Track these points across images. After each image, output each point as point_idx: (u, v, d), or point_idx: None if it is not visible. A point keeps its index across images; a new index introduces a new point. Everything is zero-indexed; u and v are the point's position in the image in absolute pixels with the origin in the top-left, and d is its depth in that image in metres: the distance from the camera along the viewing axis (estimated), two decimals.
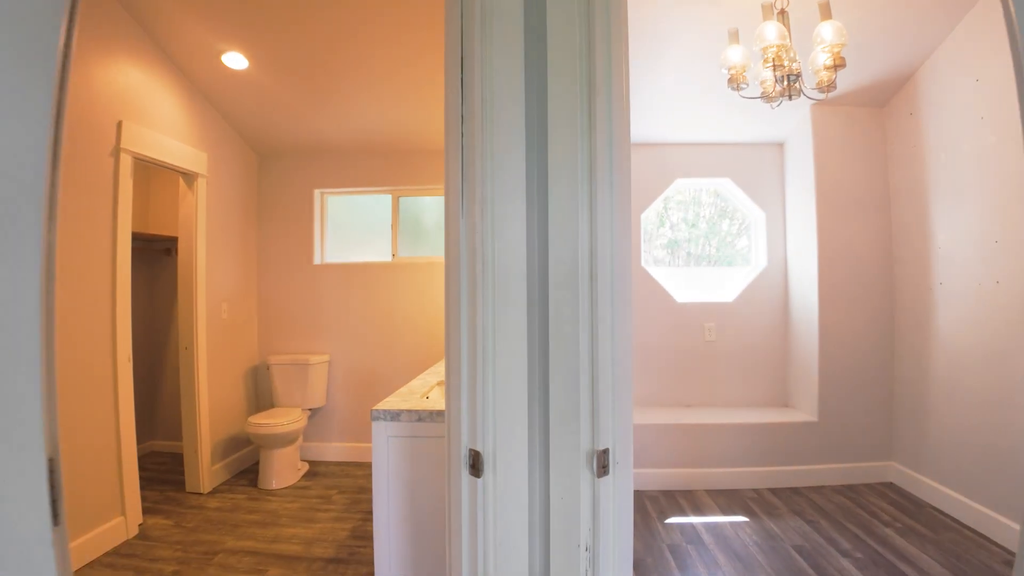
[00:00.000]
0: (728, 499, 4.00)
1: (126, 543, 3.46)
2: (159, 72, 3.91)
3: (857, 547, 3.27)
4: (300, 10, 3.54)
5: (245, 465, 4.83)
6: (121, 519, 3.52)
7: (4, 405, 1.00)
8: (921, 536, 3.38)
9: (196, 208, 4.33)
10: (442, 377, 3.16)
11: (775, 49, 2.83)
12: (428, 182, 5.06)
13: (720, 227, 5.04)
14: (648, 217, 4.96)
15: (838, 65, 2.76)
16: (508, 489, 1.37)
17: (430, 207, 5.26)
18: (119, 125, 3.58)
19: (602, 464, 1.34)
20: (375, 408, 2.44)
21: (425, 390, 2.86)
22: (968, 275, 3.56)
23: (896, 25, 3.51)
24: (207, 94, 4.31)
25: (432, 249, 5.22)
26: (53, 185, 1.06)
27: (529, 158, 1.40)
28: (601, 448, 1.35)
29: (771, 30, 2.88)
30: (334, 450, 5.09)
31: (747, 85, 3.01)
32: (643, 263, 4.74)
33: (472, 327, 1.39)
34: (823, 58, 2.83)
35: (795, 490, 4.14)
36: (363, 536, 3.53)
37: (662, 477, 4.16)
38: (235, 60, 3.95)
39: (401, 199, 5.23)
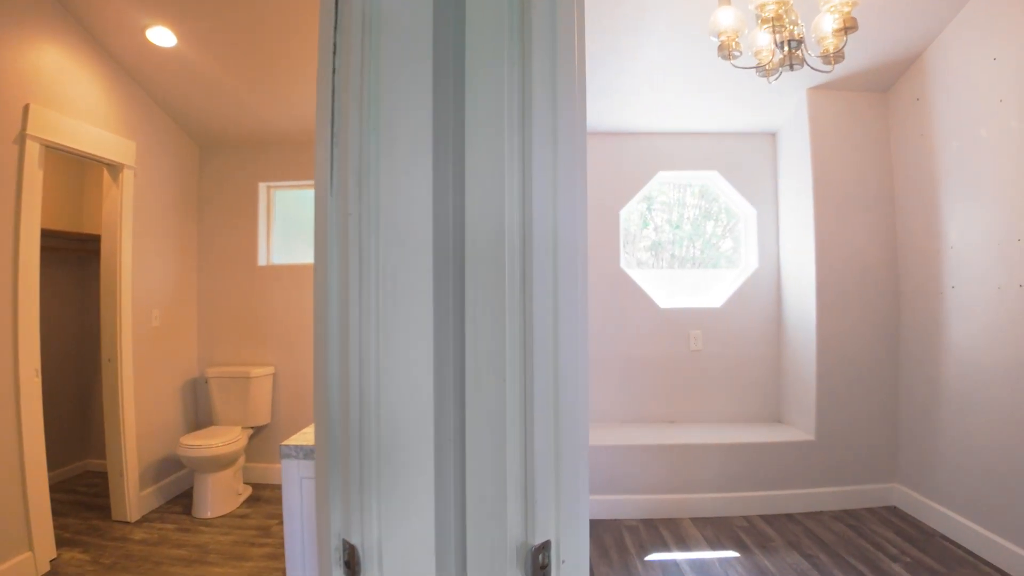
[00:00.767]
0: (716, 529, 3.54)
1: None
2: (77, 49, 3.39)
3: None
4: None
5: (182, 488, 4.28)
6: (29, 555, 3.01)
7: None
8: (933, 572, 2.94)
9: (121, 203, 3.79)
10: None
11: (774, 7, 2.38)
12: None
13: (704, 229, 4.60)
14: (630, 218, 4.52)
15: (849, 27, 2.31)
16: None
17: None
18: (26, 109, 3.07)
19: (540, 565, 0.88)
20: (284, 444, 1.96)
21: None
22: (986, 278, 3.11)
23: (900, 1, 3.08)
24: (133, 75, 3.78)
25: None
26: None
27: (441, 101, 0.94)
28: (538, 542, 0.88)
29: None
30: (279, 472, 4.51)
31: (740, 54, 2.56)
32: (624, 265, 4.28)
33: (344, 357, 0.92)
34: (829, 21, 2.38)
35: (790, 516, 3.69)
36: None
37: (643, 504, 3.68)
38: (161, 36, 3.44)
39: None
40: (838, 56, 2.45)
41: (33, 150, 3.15)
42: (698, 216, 4.60)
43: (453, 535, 0.91)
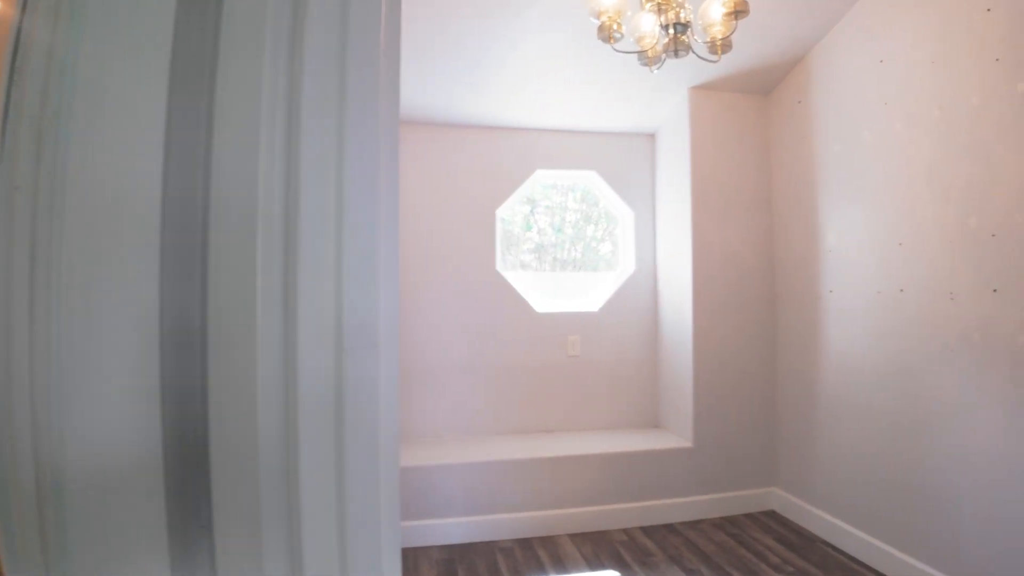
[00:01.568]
0: (595, 545, 3.32)
1: None
2: None
3: None
4: None
5: None
6: None
7: None
8: None
9: None
10: None
11: None
12: None
13: (585, 232, 4.40)
14: (514, 220, 4.25)
15: (740, 11, 2.12)
16: None
17: None
18: None
19: None
20: None
21: None
22: (865, 282, 3.06)
23: (786, 2, 2.98)
24: None
25: None
26: None
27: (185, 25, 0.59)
28: None
29: None
30: None
31: (621, 36, 2.32)
32: (501, 268, 4.00)
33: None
34: (718, 6, 2.20)
35: (670, 527, 3.53)
36: None
37: (518, 523, 3.35)
38: None
39: None
40: (726, 45, 2.27)
41: None
42: (579, 220, 4.40)
43: None
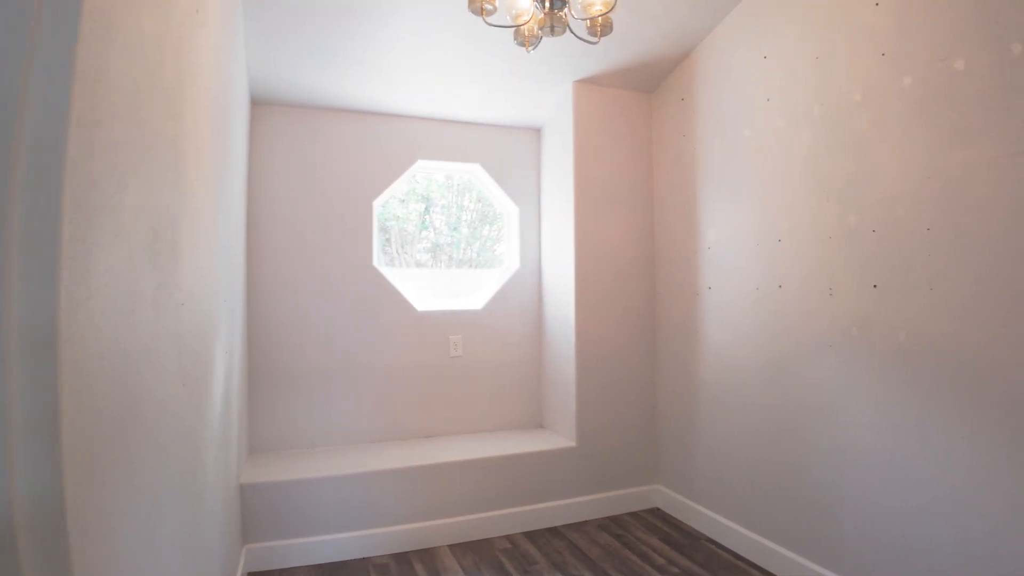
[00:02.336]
0: (477, 555, 3.10)
1: None
2: None
3: None
4: None
5: None
6: None
7: None
8: None
9: None
10: None
11: None
12: None
13: (482, 232, 4.20)
14: (408, 218, 3.97)
15: None
16: None
17: None
18: None
19: None
20: None
21: None
22: (744, 279, 3.02)
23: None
24: None
25: None
26: None
27: None
28: None
29: None
30: None
31: (494, 9, 2.12)
32: (385, 265, 3.73)
33: None
34: None
35: (554, 531, 3.37)
36: None
37: (394, 537, 3.05)
38: None
39: None
40: (606, 25, 2.13)
41: None
42: (475, 219, 4.18)
43: None
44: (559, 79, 3.48)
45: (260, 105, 3.39)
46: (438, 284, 4.01)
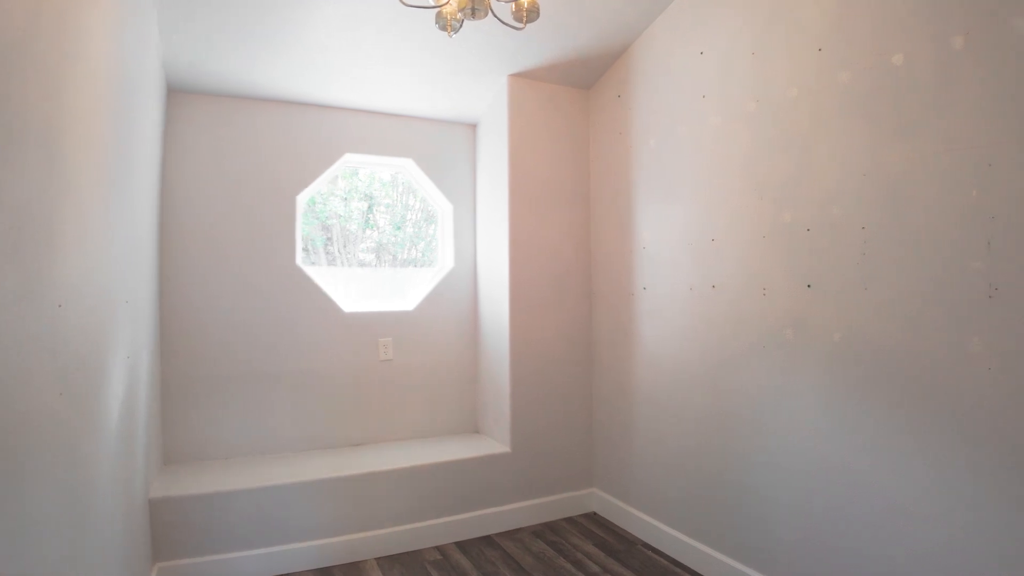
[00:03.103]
0: (405, 568, 2.94)
1: None
2: None
3: None
4: None
5: None
6: None
7: None
8: None
9: None
10: None
11: None
12: None
13: (428, 231, 4.02)
14: (350, 216, 3.75)
15: None
16: None
17: None
18: None
19: None
20: None
21: None
22: (678, 279, 2.93)
23: None
24: None
25: None
26: None
27: None
28: None
29: None
30: None
31: None
32: (299, 262, 3.52)
33: None
34: None
35: (487, 540, 3.24)
36: None
37: (317, 551, 2.84)
38: None
39: None
40: (532, 11, 2.02)
41: None
42: (420, 219, 4.01)
43: None
44: (494, 73, 3.35)
45: (177, 93, 3.13)
46: (377, 285, 3.82)
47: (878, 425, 2.00)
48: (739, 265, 2.58)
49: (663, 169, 3.03)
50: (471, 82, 3.39)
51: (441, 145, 3.78)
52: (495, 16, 2.07)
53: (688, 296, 2.86)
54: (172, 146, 3.11)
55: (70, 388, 1.45)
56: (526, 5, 1.97)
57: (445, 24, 2.04)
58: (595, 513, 3.54)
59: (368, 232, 3.85)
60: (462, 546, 3.12)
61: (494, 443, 3.51)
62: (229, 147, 3.24)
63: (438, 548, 3.09)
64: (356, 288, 3.72)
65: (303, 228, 3.54)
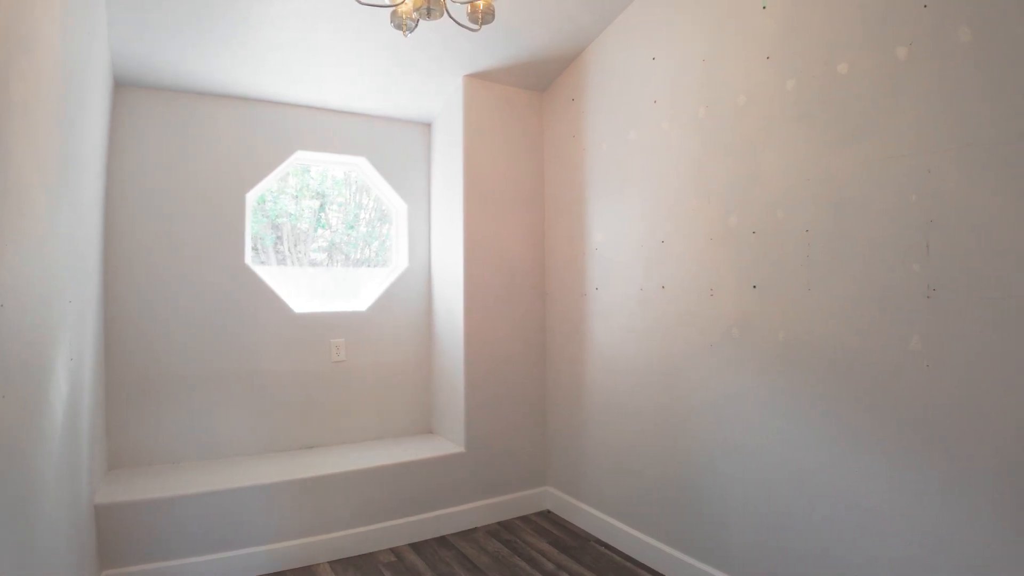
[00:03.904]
0: (359, 570, 2.88)
1: None
2: None
3: None
4: None
5: None
6: None
7: None
8: None
9: None
10: None
11: None
12: None
13: (381, 231, 3.94)
14: (301, 215, 3.64)
15: None
16: None
17: None
18: None
19: None
20: None
21: None
22: (629, 280, 2.95)
23: None
24: None
25: None
26: None
27: None
28: None
29: None
30: None
31: None
32: (247, 262, 3.43)
33: None
34: None
35: (442, 540, 3.21)
36: None
37: (269, 556, 2.74)
38: None
39: None
40: (487, 13, 2.02)
41: None
42: (374, 218, 3.94)
43: None
44: (449, 72, 3.33)
45: (124, 88, 3.00)
46: (329, 284, 3.74)
47: (825, 421, 2.06)
48: (687, 266, 2.62)
49: (615, 172, 3.06)
50: (426, 82, 3.36)
51: (395, 144, 3.74)
52: (451, 17, 2.06)
53: (639, 296, 2.90)
54: (118, 141, 2.98)
55: (12, 391, 1.39)
56: (481, 7, 1.97)
57: (400, 23, 2.02)
58: (549, 511, 3.56)
59: (320, 231, 3.78)
60: (416, 547, 3.09)
61: (448, 443, 3.49)
62: (178, 143, 3.13)
63: (392, 550, 3.06)
64: (308, 288, 3.65)
65: (252, 227, 3.45)
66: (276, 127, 3.37)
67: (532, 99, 3.61)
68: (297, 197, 3.65)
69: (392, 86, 3.34)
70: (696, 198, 2.57)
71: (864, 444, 1.92)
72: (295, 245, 3.65)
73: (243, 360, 3.25)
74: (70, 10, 1.87)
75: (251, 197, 3.35)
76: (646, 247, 2.84)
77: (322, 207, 3.74)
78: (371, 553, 3.01)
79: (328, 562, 2.91)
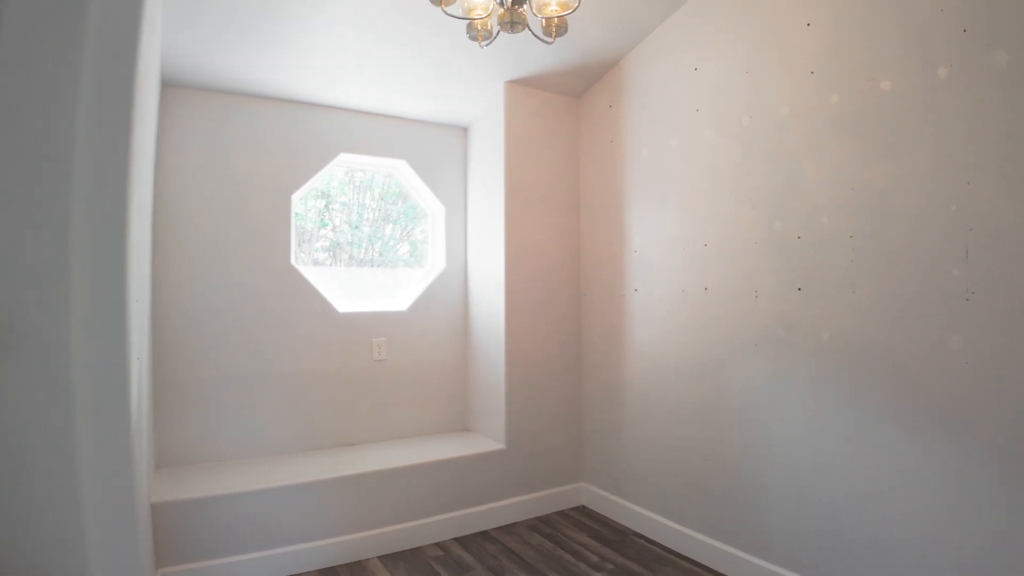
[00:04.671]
0: (409, 565, 3.08)
1: None
2: None
3: None
4: None
5: None
6: None
7: None
8: None
9: None
10: None
11: None
12: None
13: (384, 231, 4.12)
14: (306, 215, 3.86)
15: None
16: None
17: None
18: None
19: None
20: None
21: None
22: (670, 281, 3.16)
23: (602, 6, 3.01)
24: None
25: None
26: None
27: None
28: None
29: None
30: None
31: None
32: (296, 262, 3.63)
33: None
34: None
35: (485, 535, 3.42)
36: None
37: (322, 552, 2.96)
38: None
39: None
40: (561, 26, 2.23)
41: None
42: (377, 219, 4.14)
43: None
44: (490, 79, 3.53)
45: (171, 87, 3.21)
46: (340, 284, 3.92)
47: (865, 416, 2.26)
48: (731, 269, 2.83)
49: (656, 177, 3.27)
50: (469, 87, 3.56)
51: (433, 147, 3.94)
52: (531, 31, 2.26)
53: (680, 298, 3.10)
54: (165, 143, 3.17)
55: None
56: (556, 22, 2.17)
57: (476, 35, 2.21)
58: (584, 506, 3.76)
59: (323, 231, 3.93)
60: (461, 542, 3.29)
61: (488, 440, 3.69)
62: (224, 145, 3.31)
63: (439, 544, 3.26)
64: (344, 288, 3.84)
65: None
66: (322, 128, 3.57)
67: (569, 104, 3.81)
68: (303, 197, 3.78)
69: (435, 91, 3.54)
70: (739, 204, 2.77)
71: (904, 437, 2.14)
72: (299, 244, 3.79)
73: (287, 359, 3.45)
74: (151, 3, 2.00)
75: (296, 198, 3.54)
76: (688, 250, 3.04)
77: (326, 206, 3.91)
78: (419, 548, 3.21)
79: (378, 557, 3.11)
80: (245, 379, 3.33)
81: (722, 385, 2.86)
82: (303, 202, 3.76)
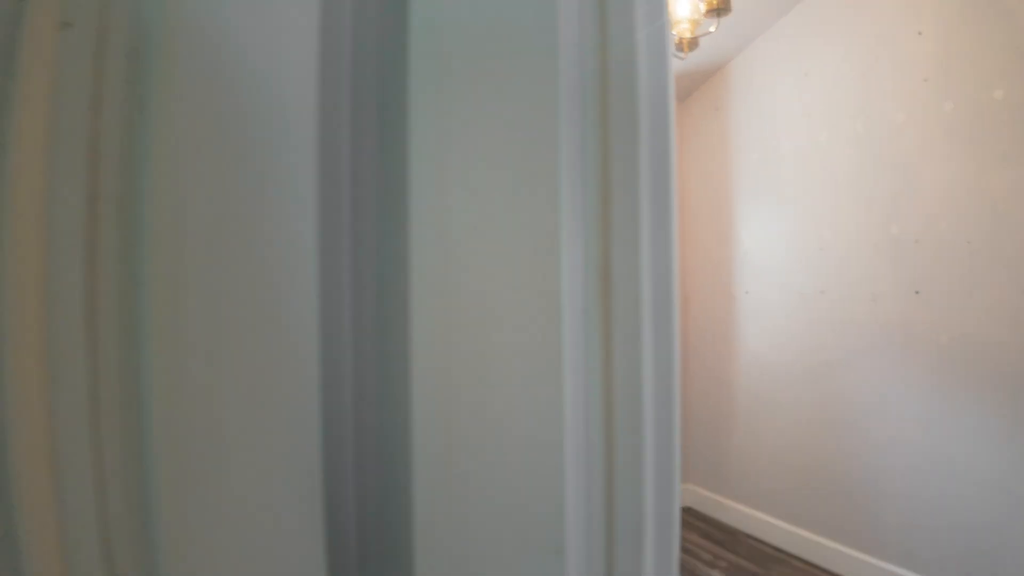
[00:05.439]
0: None
1: None
2: None
3: None
4: None
5: None
6: None
7: None
8: (752, 575, 3.12)
9: None
10: None
11: None
12: None
13: None
14: None
15: (721, 8, 2.28)
16: None
17: None
18: None
19: None
20: None
21: None
22: (784, 284, 3.33)
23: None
24: None
25: None
26: None
27: None
28: None
29: None
30: None
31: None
32: None
33: None
34: (686, 4, 2.36)
35: None
36: None
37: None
38: None
39: None
40: (693, 43, 2.45)
41: None
42: None
43: None
44: None
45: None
46: None
47: (983, 415, 2.39)
48: (848, 272, 2.97)
49: (767, 180, 3.43)
50: None
51: None
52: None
53: (796, 300, 3.25)
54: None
55: None
56: (687, 41, 2.39)
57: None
58: (690, 507, 3.95)
59: None
60: None
61: None
62: None
63: None
64: None
65: None
66: None
67: (675, 108, 4.00)
68: None
69: None
70: (855, 208, 2.91)
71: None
72: None
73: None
74: None
75: None
76: (803, 253, 3.19)
77: None
78: None
79: None
80: None
81: (838, 386, 3.01)
82: None
